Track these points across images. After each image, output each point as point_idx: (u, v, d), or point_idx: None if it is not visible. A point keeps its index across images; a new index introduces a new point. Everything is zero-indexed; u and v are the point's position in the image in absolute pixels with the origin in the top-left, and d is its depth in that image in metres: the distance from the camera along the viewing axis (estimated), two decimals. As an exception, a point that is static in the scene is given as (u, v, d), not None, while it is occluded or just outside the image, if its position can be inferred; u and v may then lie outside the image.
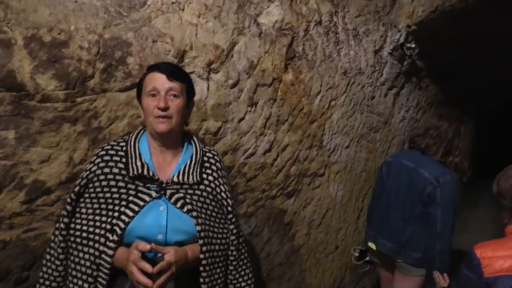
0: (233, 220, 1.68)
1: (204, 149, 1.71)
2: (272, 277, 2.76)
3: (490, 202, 2.09)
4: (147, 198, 1.48)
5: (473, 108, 6.29)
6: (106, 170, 1.51)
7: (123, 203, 1.46)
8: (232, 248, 1.66)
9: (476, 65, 4.59)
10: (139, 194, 1.48)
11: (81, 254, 1.45)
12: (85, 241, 1.45)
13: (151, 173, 1.51)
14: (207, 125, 2.16)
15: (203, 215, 1.56)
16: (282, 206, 2.76)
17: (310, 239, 3.05)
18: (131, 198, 1.47)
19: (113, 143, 1.59)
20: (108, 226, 1.43)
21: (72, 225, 1.49)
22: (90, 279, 1.43)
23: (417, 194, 2.43)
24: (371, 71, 3.32)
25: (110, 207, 1.46)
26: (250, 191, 2.49)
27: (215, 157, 1.73)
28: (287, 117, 2.62)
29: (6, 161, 1.53)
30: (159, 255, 1.42)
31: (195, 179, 1.58)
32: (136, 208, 1.45)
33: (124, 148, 1.56)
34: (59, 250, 1.48)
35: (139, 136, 1.62)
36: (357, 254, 3.03)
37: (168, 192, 1.52)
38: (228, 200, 1.68)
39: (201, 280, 1.52)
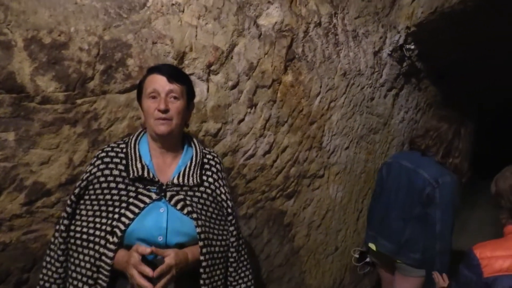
0: (233, 221, 1.68)
1: (204, 151, 1.71)
2: (272, 278, 2.76)
3: (490, 202, 2.10)
4: (147, 200, 1.48)
5: (473, 109, 6.30)
6: (106, 172, 1.51)
7: (123, 205, 1.46)
8: (232, 249, 1.66)
9: (476, 65, 4.59)
10: (139, 196, 1.48)
11: (81, 256, 1.45)
12: (85, 243, 1.45)
13: (151, 175, 1.51)
14: (207, 127, 2.16)
15: (203, 217, 1.56)
16: (282, 207, 2.76)
17: (309, 240, 3.05)
18: (131, 200, 1.47)
19: (113, 145, 1.59)
20: (108, 228, 1.43)
21: (72, 227, 1.49)
22: (90, 281, 1.43)
23: (416, 194, 2.44)
24: (370, 72, 3.32)
25: (110, 209, 1.46)
26: (250, 192, 2.49)
27: (215, 159, 1.73)
28: (287, 118, 2.62)
29: (6, 163, 1.53)
30: (159, 257, 1.42)
31: (195, 181, 1.58)
32: (136, 210, 1.45)
33: (124, 150, 1.56)
34: (59, 252, 1.48)
35: (139, 138, 1.62)
36: (357, 256, 3.02)
37: (168, 194, 1.52)
38: (228, 202, 1.68)
39: (201, 282, 1.52)
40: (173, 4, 1.94)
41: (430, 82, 4.31)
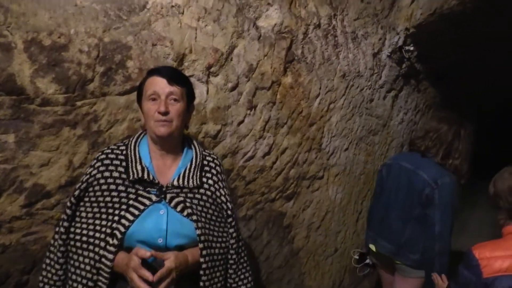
0: (233, 223, 1.68)
1: (204, 152, 1.72)
2: (272, 280, 2.76)
3: (489, 203, 2.11)
4: (147, 202, 1.48)
5: (472, 110, 6.30)
6: (106, 174, 1.51)
7: (123, 207, 1.46)
8: (231, 251, 1.66)
9: (475, 67, 4.60)
10: (139, 198, 1.48)
11: (81, 258, 1.44)
12: (85, 245, 1.44)
13: (151, 177, 1.51)
14: (207, 128, 2.16)
15: (203, 219, 1.56)
16: (282, 209, 2.76)
17: (309, 242, 3.05)
18: (131, 202, 1.47)
19: (113, 147, 1.59)
20: (108, 230, 1.43)
21: (72, 229, 1.49)
22: (90, 283, 1.43)
23: (416, 195, 2.44)
24: (369, 74, 3.32)
25: (110, 211, 1.46)
26: (250, 194, 2.49)
27: (215, 160, 1.73)
28: (286, 120, 2.62)
29: (6, 164, 1.53)
30: (159, 260, 1.42)
31: (195, 183, 1.58)
32: (136, 212, 1.45)
33: (124, 152, 1.56)
34: (59, 254, 1.48)
35: (139, 140, 1.62)
36: (356, 257, 3.03)
37: (168, 196, 1.52)
38: (228, 203, 1.68)
39: (201, 284, 1.52)
40: (172, 6, 1.94)
41: (429, 83, 4.32)
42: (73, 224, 1.49)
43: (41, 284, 1.50)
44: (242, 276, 1.70)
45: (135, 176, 1.49)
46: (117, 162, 1.53)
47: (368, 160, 3.59)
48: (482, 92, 6.06)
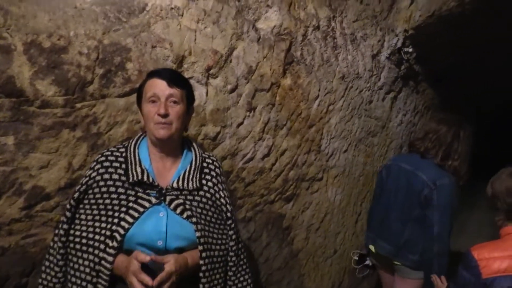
0: (233, 225, 1.68)
1: (203, 155, 1.72)
2: (271, 281, 2.76)
3: (487, 204, 2.12)
4: (146, 204, 1.47)
5: (471, 112, 6.31)
6: (106, 176, 1.51)
7: (123, 209, 1.46)
8: (231, 253, 1.66)
9: (474, 68, 4.61)
10: (139, 200, 1.48)
11: (80, 261, 1.44)
12: (84, 248, 1.44)
13: (151, 179, 1.51)
14: (206, 130, 2.16)
15: (202, 221, 1.56)
16: (281, 210, 2.76)
17: (308, 244, 3.05)
18: (130, 204, 1.47)
19: (112, 149, 1.59)
20: (108, 233, 1.43)
21: (72, 232, 1.48)
22: (89, 286, 1.43)
23: (415, 196, 2.45)
24: (368, 75, 3.33)
25: (110, 213, 1.46)
26: (249, 195, 2.49)
27: (215, 162, 1.73)
28: (286, 121, 2.62)
29: (5, 167, 1.52)
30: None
31: (194, 185, 1.58)
32: (136, 215, 1.45)
33: (123, 154, 1.56)
34: (59, 257, 1.48)
35: (139, 142, 1.62)
36: (356, 258, 3.03)
37: (168, 198, 1.52)
38: (228, 206, 1.68)
39: (201, 286, 1.52)
40: (172, 8, 1.94)
41: (428, 85, 4.33)
42: (72, 226, 1.49)
43: (40, 287, 1.50)
44: (241, 278, 1.70)
45: (135, 178, 1.49)
46: (117, 165, 1.53)
47: (367, 161, 3.59)
48: (481, 93, 6.07)
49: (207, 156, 1.73)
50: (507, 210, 1.96)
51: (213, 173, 1.69)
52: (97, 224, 1.46)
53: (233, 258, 1.66)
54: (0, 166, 1.51)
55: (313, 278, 3.15)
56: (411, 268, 2.51)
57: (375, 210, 2.79)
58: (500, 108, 8.11)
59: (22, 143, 1.55)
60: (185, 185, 1.56)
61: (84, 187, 1.50)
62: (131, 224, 1.43)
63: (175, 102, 1.53)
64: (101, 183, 1.50)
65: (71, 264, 1.47)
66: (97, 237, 1.44)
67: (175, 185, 1.55)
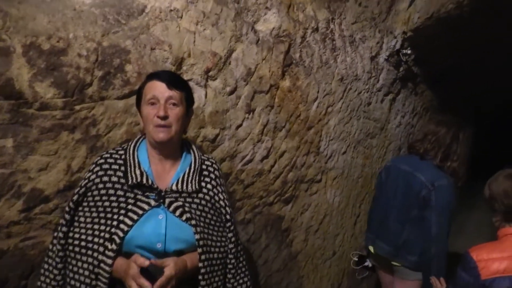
0: (232, 228, 1.68)
1: (202, 157, 1.71)
2: (270, 284, 2.75)
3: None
4: (146, 207, 1.47)
5: (469, 113, 6.31)
6: (105, 178, 1.50)
7: (122, 211, 1.45)
8: (230, 256, 1.66)
9: (472, 69, 4.61)
10: (138, 203, 1.48)
11: (79, 264, 1.44)
12: (83, 250, 1.44)
13: (150, 182, 1.51)
14: (205, 132, 2.16)
15: (201, 224, 1.55)
16: (280, 212, 2.76)
17: (307, 245, 3.05)
18: (130, 206, 1.46)
19: (111, 151, 1.59)
20: (107, 235, 1.42)
21: (71, 234, 1.48)
22: (88, 289, 1.43)
23: (413, 197, 2.46)
24: (367, 77, 3.33)
25: (109, 216, 1.46)
26: (248, 197, 2.49)
27: (214, 165, 1.73)
28: (285, 123, 2.62)
29: (4, 169, 1.52)
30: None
31: (194, 187, 1.58)
32: (135, 217, 1.44)
33: (123, 157, 1.56)
34: (57, 259, 1.47)
35: (138, 144, 1.62)
36: (356, 259, 3.04)
37: (167, 200, 1.51)
38: (227, 208, 1.68)
39: (200, 288, 1.52)
40: (171, 10, 1.94)
41: (426, 86, 4.33)
42: (71, 229, 1.49)
43: (39, 290, 1.50)
44: (241, 281, 1.70)
45: (134, 181, 1.49)
46: (116, 167, 1.53)
47: (366, 163, 3.59)
48: (479, 94, 6.07)
49: (206, 159, 1.73)
50: (504, 211, 1.98)
51: (212, 175, 1.69)
52: (96, 226, 1.46)
53: (232, 261, 1.66)
54: (-1, 168, 1.51)
55: (312, 280, 3.14)
56: (410, 268, 2.52)
57: (375, 211, 2.80)
58: (500, 109, 8.12)
59: (21, 145, 1.54)
60: (184, 187, 1.56)
61: (83, 189, 1.50)
62: (130, 226, 1.43)
63: (174, 104, 1.53)
64: (100, 186, 1.50)
65: (70, 267, 1.46)
66: (96, 239, 1.43)
67: (174, 187, 1.55)
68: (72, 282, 1.45)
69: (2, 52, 1.46)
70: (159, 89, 1.51)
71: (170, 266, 1.40)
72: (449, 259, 2.37)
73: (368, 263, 2.93)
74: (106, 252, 1.41)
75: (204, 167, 1.69)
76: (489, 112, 7.78)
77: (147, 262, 1.36)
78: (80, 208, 1.50)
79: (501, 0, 2.95)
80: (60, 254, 1.47)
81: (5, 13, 1.46)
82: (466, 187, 2.93)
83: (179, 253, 1.49)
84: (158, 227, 1.46)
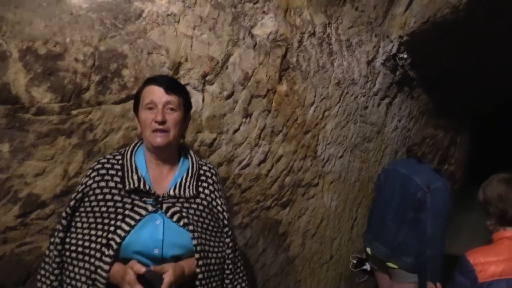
0: (229, 233, 1.67)
1: (200, 162, 1.71)
2: (267, 288, 2.75)
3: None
4: (143, 212, 1.47)
5: (466, 116, 6.33)
6: (102, 184, 1.50)
7: (119, 217, 1.45)
8: (228, 261, 1.65)
9: (468, 73, 4.63)
10: (135, 208, 1.47)
11: (76, 269, 1.43)
12: (80, 256, 1.43)
13: (147, 187, 1.50)
14: (202, 137, 2.16)
15: (199, 229, 1.55)
16: (277, 216, 2.76)
17: (304, 249, 3.05)
18: (127, 212, 1.46)
19: (109, 156, 1.59)
20: (104, 241, 1.42)
21: (68, 240, 1.47)
22: (85, 294, 1.42)
23: (409, 199, 2.47)
24: (364, 81, 3.34)
25: (106, 221, 1.45)
26: (245, 202, 2.48)
27: (211, 170, 1.73)
28: (282, 128, 2.63)
29: (0, 174, 1.51)
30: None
31: (191, 192, 1.58)
32: (132, 222, 1.44)
33: (120, 162, 1.55)
34: (54, 265, 1.46)
35: (135, 149, 1.61)
36: (355, 261, 3.04)
37: (165, 206, 1.51)
38: (224, 213, 1.67)
39: (198, 294, 1.51)
40: (168, 15, 1.94)
41: (422, 90, 4.35)
42: (68, 234, 1.48)
43: (35, 296, 1.49)
44: (238, 287, 1.69)
45: (131, 186, 1.48)
46: (113, 172, 1.53)
47: (362, 167, 3.60)
48: (476, 98, 6.09)
49: (203, 164, 1.72)
50: (498, 215, 2.01)
51: (209, 180, 1.69)
52: (93, 232, 1.45)
53: (230, 266, 1.65)
54: (-5, 173, 1.50)
55: (309, 284, 3.14)
56: (406, 270, 2.52)
57: (373, 214, 2.83)
58: (496, 112, 8.14)
59: (17, 150, 1.54)
60: (182, 192, 1.56)
61: (80, 194, 1.49)
62: (127, 232, 1.42)
63: (172, 109, 1.53)
64: (97, 191, 1.49)
65: (67, 273, 1.45)
66: (93, 245, 1.43)
67: (171, 192, 1.54)
68: (69, 288, 1.44)
69: (-2, 57, 1.46)
70: (157, 94, 1.51)
71: (169, 273, 1.39)
72: (447, 261, 2.37)
73: (367, 266, 2.93)
74: (103, 257, 1.40)
75: (201, 172, 1.68)
76: (485, 116, 7.79)
77: (143, 269, 1.35)
78: (77, 214, 1.49)
79: (496, 4, 2.97)
80: (57, 259, 1.46)
81: (1, 18, 1.46)
82: (464, 189, 2.93)
83: (176, 258, 1.48)
84: (155, 232, 1.45)
